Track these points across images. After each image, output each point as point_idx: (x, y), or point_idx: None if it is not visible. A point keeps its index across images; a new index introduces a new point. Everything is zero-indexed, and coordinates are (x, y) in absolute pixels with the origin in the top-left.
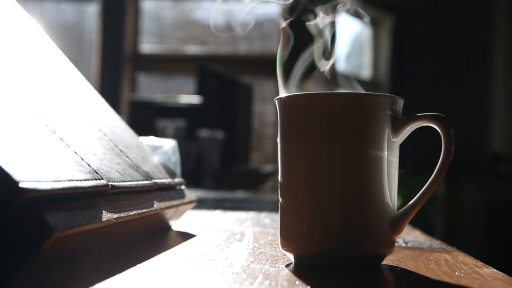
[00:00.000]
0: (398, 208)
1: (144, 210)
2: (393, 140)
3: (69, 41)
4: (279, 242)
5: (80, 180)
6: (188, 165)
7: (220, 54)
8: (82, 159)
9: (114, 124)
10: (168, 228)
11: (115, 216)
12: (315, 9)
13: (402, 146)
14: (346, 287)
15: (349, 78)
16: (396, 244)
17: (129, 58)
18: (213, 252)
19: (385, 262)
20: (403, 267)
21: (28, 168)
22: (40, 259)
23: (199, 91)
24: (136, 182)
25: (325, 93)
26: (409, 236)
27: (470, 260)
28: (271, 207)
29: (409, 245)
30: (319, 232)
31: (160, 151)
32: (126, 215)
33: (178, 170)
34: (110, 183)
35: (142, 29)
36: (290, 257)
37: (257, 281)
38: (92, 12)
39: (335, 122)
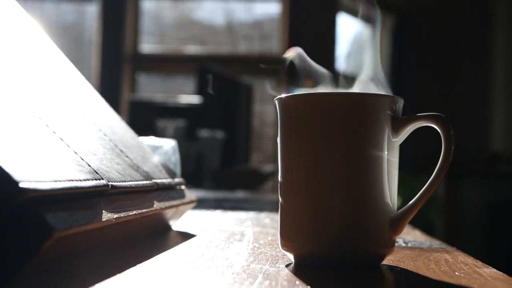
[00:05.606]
0: (398, 208)
1: (144, 210)
2: (393, 140)
3: (69, 41)
4: (279, 242)
5: (80, 180)
6: (188, 165)
7: (220, 54)
8: (82, 159)
9: (114, 124)
10: (168, 228)
11: (115, 216)
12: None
13: (402, 146)
14: (346, 287)
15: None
16: (396, 244)
17: (129, 58)
18: (213, 252)
19: (385, 262)
20: (403, 267)
21: (28, 168)
22: (40, 259)
23: (199, 91)
24: (136, 182)
25: (325, 93)
26: (409, 236)
27: (470, 260)
28: (271, 207)
29: (409, 245)
30: (319, 232)
31: (160, 151)
32: (126, 215)
33: (178, 170)
34: (110, 183)
35: (142, 29)
36: (290, 257)
37: (257, 281)
38: (92, 12)
39: (335, 122)
